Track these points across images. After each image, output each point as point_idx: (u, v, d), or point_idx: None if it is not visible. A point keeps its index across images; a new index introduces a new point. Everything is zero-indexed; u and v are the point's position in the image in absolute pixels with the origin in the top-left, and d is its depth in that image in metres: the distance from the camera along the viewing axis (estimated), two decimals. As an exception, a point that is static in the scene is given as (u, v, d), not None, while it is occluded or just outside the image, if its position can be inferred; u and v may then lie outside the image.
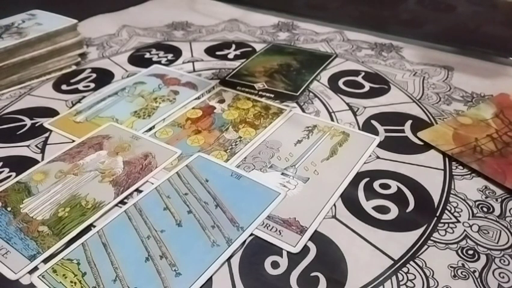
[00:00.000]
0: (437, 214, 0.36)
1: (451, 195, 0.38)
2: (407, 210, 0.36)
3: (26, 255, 0.32)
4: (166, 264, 0.31)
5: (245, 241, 0.33)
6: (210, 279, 0.31)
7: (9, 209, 0.36)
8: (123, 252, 0.32)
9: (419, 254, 0.33)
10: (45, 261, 0.32)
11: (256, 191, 0.38)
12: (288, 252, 0.32)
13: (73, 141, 0.45)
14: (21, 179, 0.40)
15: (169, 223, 0.35)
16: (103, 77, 0.58)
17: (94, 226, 0.35)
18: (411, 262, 0.32)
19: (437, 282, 0.30)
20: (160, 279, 0.30)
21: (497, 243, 0.33)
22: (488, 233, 0.34)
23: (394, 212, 0.36)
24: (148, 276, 0.31)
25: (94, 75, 0.59)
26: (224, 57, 0.63)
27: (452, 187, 0.39)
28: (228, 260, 0.32)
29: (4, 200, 0.37)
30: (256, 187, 0.38)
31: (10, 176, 0.40)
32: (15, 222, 0.35)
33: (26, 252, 0.32)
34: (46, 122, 0.48)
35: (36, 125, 0.48)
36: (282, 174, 0.40)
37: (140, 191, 0.38)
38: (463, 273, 0.31)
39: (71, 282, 0.30)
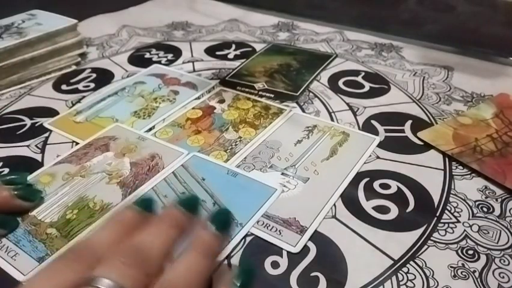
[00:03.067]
0: (437, 214, 0.36)
1: (451, 195, 0.38)
2: (407, 210, 0.36)
3: (35, 257, 0.32)
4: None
5: (245, 241, 0.33)
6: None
7: None
8: None
9: (419, 254, 0.33)
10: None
11: (253, 188, 0.38)
12: (288, 252, 0.32)
13: (73, 141, 0.45)
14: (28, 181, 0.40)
15: None
16: (103, 77, 0.58)
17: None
18: (411, 262, 0.32)
19: (437, 282, 0.30)
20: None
21: (497, 243, 0.33)
22: (488, 233, 0.34)
23: (394, 212, 0.36)
24: None
25: (94, 75, 0.59)
26: (224, 57, 0.63)
27: (452, 187, 0.39)
28: (228, 259, 0.32)
29: None
30: (253, 184, 0.38)
31: (10, 176, 0.40)
32: (23, 225, 0.35)
33: (34, 254, 0.32)
34: (46, 122, 0.48)
35: (36, 125, 0.48)
36: (282, 174, 0.40)
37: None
38: (463, 273, 0.31)
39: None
